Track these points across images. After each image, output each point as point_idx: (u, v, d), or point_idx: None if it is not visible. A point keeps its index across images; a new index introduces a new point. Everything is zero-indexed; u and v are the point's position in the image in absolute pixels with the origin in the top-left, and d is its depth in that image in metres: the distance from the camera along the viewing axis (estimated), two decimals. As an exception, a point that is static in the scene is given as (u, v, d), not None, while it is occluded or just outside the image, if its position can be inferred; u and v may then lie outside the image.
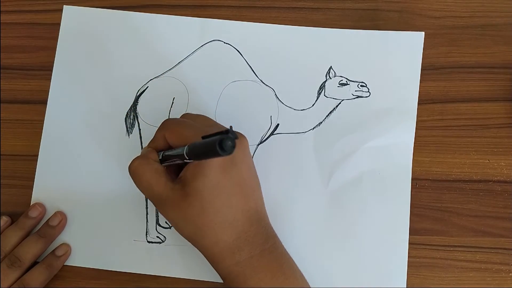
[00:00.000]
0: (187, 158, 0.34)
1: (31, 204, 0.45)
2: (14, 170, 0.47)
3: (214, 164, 0.35)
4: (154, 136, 0.40)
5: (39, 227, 0.45)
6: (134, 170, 0.38)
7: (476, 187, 0.45)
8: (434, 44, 0.46)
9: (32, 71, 0.48)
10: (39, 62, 0.48)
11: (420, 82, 0.46)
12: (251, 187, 0.39)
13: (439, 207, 0.44)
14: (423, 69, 0.46)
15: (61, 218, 0.45)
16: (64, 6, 0.48)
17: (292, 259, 0.40)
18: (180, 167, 0.39)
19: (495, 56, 0.46)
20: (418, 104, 0.45)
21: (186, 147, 0.34)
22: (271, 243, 0.38)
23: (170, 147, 0.39)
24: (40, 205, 0.45)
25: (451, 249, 0.44)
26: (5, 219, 0.45)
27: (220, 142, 0.29)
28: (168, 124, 0.39)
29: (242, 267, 0.37)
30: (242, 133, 0.39)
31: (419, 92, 0.46)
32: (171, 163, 0.38)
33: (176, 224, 0.38)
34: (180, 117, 0.42)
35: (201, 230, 0.37)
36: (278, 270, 0.37)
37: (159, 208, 0.39)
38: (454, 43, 0.47)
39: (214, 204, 0.36)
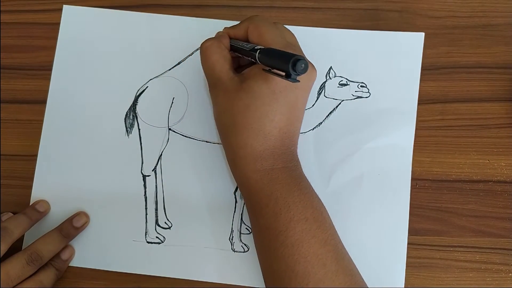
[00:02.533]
0: (257, 59, 0.35)
1: (30, 204, 0.45)
2: (13, 170, 0.47)
3: (278, 77, 0.35)
4: (238, 24, 0.41)
5: (62, 224, 0.44)
6: (204, 49, 0.39)
7: (476, 187, 0.45)
8: (434, 44, 0.46)
9: (31, 71, 0.48)
10: (39, 62, 0.48)
11: (420, 82, 0.46)
12: (298, 115, 0.39)
13: (439, 207, 0.44)
14: (423, 69, 0.46)
15: (86, 220, 0.45)
16: (64, 6, 0.48)
17: (310, 184, 0.39)
18: (249, 65, 0.40)
19: (495, 56, 0.46)
20: (418, 104, 0.45)
21: (260, 49, 0.35)
22: (293, 164, 0.39)
23: (247, 40, 0.40)
24: (45, 202, 0.45)
25: (451, 249, 0.44)
26: (10, 214, 0.45)
27: (295, 60, 0.30)
28: (256, 20, 0.40)
29: (260, 176, 0.37)
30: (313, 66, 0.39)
31: (419, 92, 0.45)
32: (241, 55, 0.39)
33: (218, 112, 0.39)
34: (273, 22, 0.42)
35: (237, 127, 0.37)
36: (295, 186, 0.37)
37: (212, 90, 0.40)
38: (454, 43, 0.47)
39: (259, 110, 0.36)
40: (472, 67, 0.46)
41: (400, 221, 0.44)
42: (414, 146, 0.45)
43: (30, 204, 0.45)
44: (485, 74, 0.46)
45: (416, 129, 0.45)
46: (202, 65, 0.40)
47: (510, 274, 0.43)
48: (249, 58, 0.38)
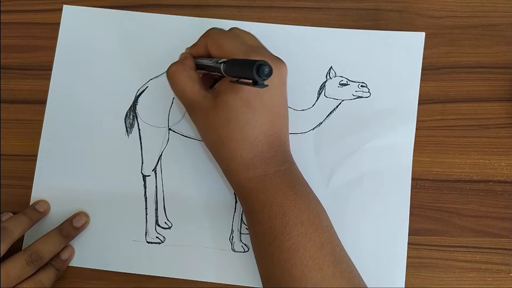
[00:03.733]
0: (222, 72, 0.35)
1: (30, 204, 0.45)
2: (13, 170, 0.47)
3: (247, 86, 0.35)
4: (196, 42, 0.41)
5: (62, 224, 0.44)
6: (171, 74, 0.40)
7: (476, 187, 0.45)
8: (434, 44, 0.46)
9: (31, 71, 0.48)
10: (39, 62, 0.48)
11: (420, 82, 0.46)
12: (279, 114, 0.39)
13: (439, 207, 0.44)
14: (423, 69, 0.46)
15: (86, 220, 0.45)
16: (64, 6, 0.48)
17: (308, 185, 0.39)
18: (217, 79, 0.40)
19: (496, 56, 0.46)
20: (418, 104, 0.45)
21: (223, 62, 0.35)
22: (286, 166, 0.39)
23: (209, 55, 0.40)
24: (45, 202, 0.45)
25: (451, 249, 0.44)
26: (10, 214, 0.45)
27: (258, 66, 0.30)
28: (212, 33, 0.40)
29: (254, 183, 0.37)
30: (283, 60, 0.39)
31: (419, 92, 0.45)
32: (208, 72, 0.39)
33: (202, 131, 0.40)
34: (228, 30, 0.41)
35: (223, 141, 0.38)
36: (289, 189, 0.37)
37: (189, 112, 0.40)
38: (454, 43, 0.46)
39: (239, 120, 0.37)
40: (472, 67, 0.46)
41: (400, 221, 0.44)
42: (414, 146, 0.45)
43: (30, 204, 0.45)
44: (485, 74, 0.46)
45: (416, 129, 0.45)
46: (172, 91, 0.40)
47: (510, 274, 0.43)
48: (216, 73, 0.38)
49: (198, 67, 0.41)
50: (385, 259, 0.43)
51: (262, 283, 0.39)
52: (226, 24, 0.47)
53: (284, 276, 0.36)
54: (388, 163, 0.45)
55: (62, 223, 0.44)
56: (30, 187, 0.46)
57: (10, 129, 0.47)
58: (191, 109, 0.40)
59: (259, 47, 0.40)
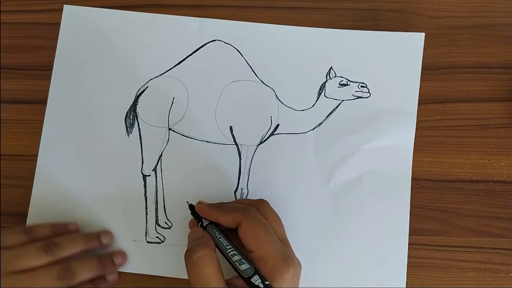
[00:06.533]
0: (242, 276, 0.35)
1: (30, 204, 0.45)
2: (14, 170, 0.47)
3: None
4: (227, 210, 0.38)
5: (102, 255, 0.43)
6: (196, 261, 0.35)
7: (476, 187, 0.45)
8: (434, 44, 0.46)
9: (31, 71, 0.48)
10: (39, 62, 0.48)
11: (420, 82, 0.46)
12: None
13: (439, 207, 0.44)
14: (423, 69, 0.46)
15: (125, 261, 0.44)
16: (64, 5, 0.48)
17: None
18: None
19: (495, 56, 0.46)
20: (418, 104, 0.45)
21: (264, 284, 0.34)
22: None
23: (232, 229, 0.38)
24: (111, 234, 0.44)
25: (451, 249, 0.44)
26: (77, 226, 0.44)
27: None
28: (252, 218, 0.37)
29: None
30: (297, 259, 0.37)
31: (419, 92, 0.45)
32: (230, 261, 0.36)
33: None
34: (259, 201, 0.40)
35: None
36: None
37: None
38: (454, 43, 0.47)
39: None
40: (472, 67, 0.46)
41: (400, 222, 0.44)
42: (414, 146, 0.45)
43: (97, 232, 0.44)
44: (485, 74, 0.46)
45: (416, 129, 0.45)
46: (190, 278, 0.35)
47: (510, 274, 0.43)
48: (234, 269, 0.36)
49: (205, 227, 0.39)
50: (385, 258, 0.43)
51: None
52: (225, 24, 0.47)
53: None
54: (388, 163, 0.45)
55: (103, 255, 0.43)
56: (30, 187, 0.46)
57: (10, 129, 0.47)
58: None
59: (287, 244, 0.39)
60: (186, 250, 0.37)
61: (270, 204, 0.40)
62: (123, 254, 0.44)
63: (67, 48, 0.48)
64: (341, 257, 0.44)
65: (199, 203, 0.41)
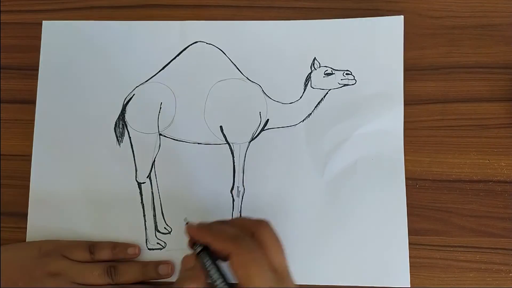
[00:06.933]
0: None
1: (29, 204, 0.45)
2: (14, 170, 0.47)
3: None
4: (219, 235, 0.36)
5: (147, 263, 0.44)
6: None
7: (476, 187, 0.45)
8: (434, 44, 0.46)
9: (31, 71, 0.48)
10: (39, 62, 0.48)
11: (420, 82, 0.46)
12: None
13: (439, 207, 0.44)
14: (423, 69, 0.46)
15: (171, 272, 0.44)
16: (43, 21, 0.48)
17: None
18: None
19: (495, 56, 0.46)
20: (418, 104, 0.45)
21: None
22: None
23: (223, 255, 0.36)
24: (170, 266, 0.44)
25: (451, 249, 0.44)
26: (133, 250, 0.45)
27: None
28: (244, 250, 0.35)
29: None
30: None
31: (419, 92, 0.46)
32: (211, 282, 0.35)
33: None
34: (260, 222, 0.37)
35: None
36: None
37: None
38: (454, 43, 0.47)
39: None
40: (472, 67, 0.46)
41: (398, 204, 0.44)
42: (414, 146, 0.45)
43: (155, 262, 0.44)
44: (485, 74, 0.46)
45: (416, 129, 0.45)
46: None
47: (510, 274, 0.43)
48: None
49: (195, 249, 0.37)
50: (384, 248, 0.43)
51: None
52: (206, 25, 0.47)
53: None
54: (380, 147, 0.45)
55: (148, 263, 0.44)
56: (29, 187, 0.46)
57: (10, 129, 0.47)
58: None
59: (283, 275, 0.36)
60: (176, 280, 0.36)
61: (271, 224, 0.37)
62: (168, 265, 0.44)
63: (49, 64, 0.48)
64: (339, 250, 0.44)
65: (189, 225, 0.38)
